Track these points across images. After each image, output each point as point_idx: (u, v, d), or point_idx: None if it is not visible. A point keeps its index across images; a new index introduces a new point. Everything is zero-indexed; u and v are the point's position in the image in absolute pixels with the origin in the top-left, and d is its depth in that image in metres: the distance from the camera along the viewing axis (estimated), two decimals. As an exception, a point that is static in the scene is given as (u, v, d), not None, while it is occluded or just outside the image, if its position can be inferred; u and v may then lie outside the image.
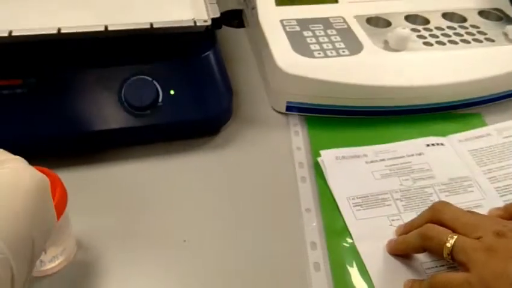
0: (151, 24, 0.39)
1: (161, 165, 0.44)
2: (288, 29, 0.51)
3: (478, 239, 0.30)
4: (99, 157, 0.43)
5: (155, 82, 0.42)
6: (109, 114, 0.42)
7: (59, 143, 0.42)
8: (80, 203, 0.36)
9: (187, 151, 0.45)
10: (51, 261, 0.34)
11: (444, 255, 0.31)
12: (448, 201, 0.38)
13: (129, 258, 0.36)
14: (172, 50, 0.43)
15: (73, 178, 0.40)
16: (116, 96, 0.41)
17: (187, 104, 0.43)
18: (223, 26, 0.65)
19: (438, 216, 0.33)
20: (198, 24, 0.40)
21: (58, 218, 0.31)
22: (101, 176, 0.42)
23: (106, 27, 0.39)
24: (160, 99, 0.42)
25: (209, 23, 0.41)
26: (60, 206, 0.31)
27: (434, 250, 0.32)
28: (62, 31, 0.38)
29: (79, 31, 0.38)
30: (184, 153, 0.45)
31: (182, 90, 0.43)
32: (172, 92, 0.43)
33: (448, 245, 0.30)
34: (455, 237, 0.30)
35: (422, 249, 0.33)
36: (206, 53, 0.44)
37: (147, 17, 0.42)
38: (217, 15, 0.42)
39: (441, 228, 0.32)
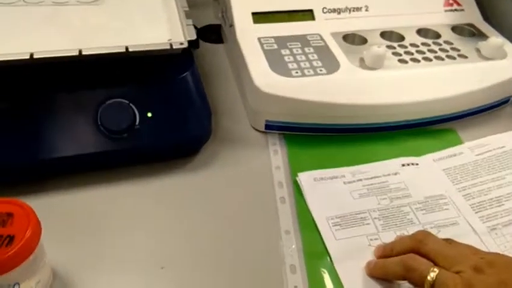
0: (127, 48, 0.39)
1: (139, 188, 0.43)
2: (265, 47, 0.51)
3: (458, 273, 0.31)
4: (76, 182, 0.43)
5: (131, 105, 0.42)
6: (85, 139, 0.41)
7: (34, 168, 0.41)
8: (57, 230, 0.35)
9: (166, 173, 0.45)
10: (27, 294, 0.33)
11: None
12: (425, 219, 0.39)
13: (107, 286, 0.35)
14: (149, 72, 0.43)
15: (49, 204, 0.40)
16: (92, 120, 0.41)
17: (165, 126, 0.43)
18: (201, 42, 0.66)
19: (419, 246, 0.34)
20: (174, 47, 0.40)
21: (32, 250, 0.31)
22: (77, 201, 0.41)
23: (80, 51, 0.38)
24: (137, 122, 0.42)
25: (185, 45, 0.41)
26: (34, 238, 0.31)
27: (415, 281, 0.32)
28: (35, 56, 0.37)
29: (52, 56, 0.38)
30: (163, 174, 0.45)
31: (160, 112, 0.43)
32: (149, 115, 0.42)
33: (429, 278, 0.31)
34: (437, 271, 0.31)
35: (402, 278, 0.34)
36: (183, 74, 0.44)
37: (123, 39, 0.41)
38: (194, 37, 0.42)
39: (423, 260, 0.33)
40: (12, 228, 0.30)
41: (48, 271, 0.35)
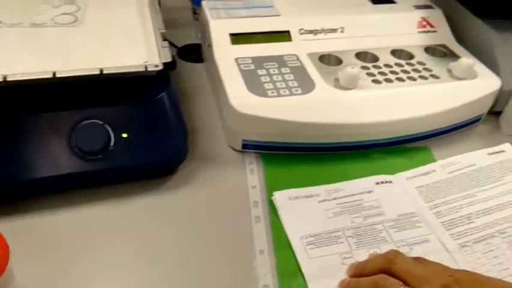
0: (101, 70, 0.40)
1: (115, 209, 0.43)
2: (243, 68, 0.52)
3: None
4: (50, 203, 0.42)
5: (106, 126, 0.42)
6: (60, 160, 0.41)
7: (7, 190, 0.41)
8: (28, 253, 0.35)
9: (142, 193, 0.45)
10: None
11: None
12: (397, 237, 0.40)
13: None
14: (124, 93, 0.43)
15: (21, 227, 0.40)
16: (66, 141, 0.41)
17: (141, 146, 0.43)
18: (182, 61, 0.67)
19: (390, 266, 0.34)
20: (149, 69, 0.41)
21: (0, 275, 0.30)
22: (51, 224, 0.41)
23: (54, 73, 0.38)
24: (112, 143, 0.42)
25: (160, 67, 0.41)
26: (2, 262, 0.31)
27: None
28: (8, 79, 0.37)
29: (26, 78, 0.38)
30: (139, 195, 0.45)
31: (136, 132, 0.43)
32: (124, 135, 0.42)
33: None
34: None
35: None
36: (159, 95, 0.45)
37: (99, 61, 0.42)
38: (169, 59, 0.42)
39: (394, 280, 0.33)
40: None
41: (18, 295, 0.35)
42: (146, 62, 0.43)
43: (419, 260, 0.36)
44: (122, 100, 0.43)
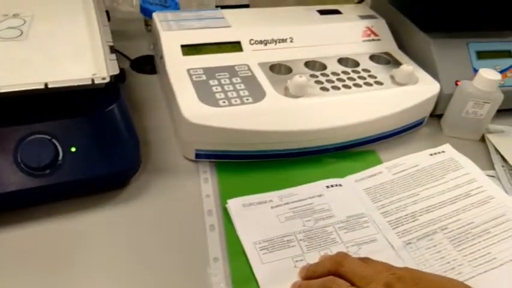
0: (46, 84, 0.39)
1: (67, 224, 0.42)
2: (194, 78, 0.53)
3: None
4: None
5: (54, 140, 0.41)
6: (5, 177, 0.40)
7: None
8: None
9: (94, 207, 0.45)
10: None
11: None
12: (347, 238, 0.41)
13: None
14: (72, 106, 0.43)
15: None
16: (11, 157, 0.40)
17: (91, 160, 0.43)
18: (135, 73, 0.66)
19: (337, 268, 0.36)
20: (96, 82, 0.41)
21: None
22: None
23: (-3, 89, 0.38)
24: (60, 158, 0.41)
25: (107, 80, 0.41)
26: None
27: None
28: None
29: (-34, 94, 0.37)
30: (91, 209, 0.44)
31: (85, 146, 0.43)
32: (73, 149, 0.42)
33: None
34: None
35: None
36: (109, 108, 0.45)
37: (46, 75, 0.41)
38: (117, 71, 0.42)
39: (341, 281, 0.35)
40: None
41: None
42: (94, 74, 0.42)
43: (365, 260, 0.37)
44: (70, 114, 0.43)
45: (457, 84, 0.58)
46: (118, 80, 0.45)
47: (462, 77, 0.58)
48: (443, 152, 0.53)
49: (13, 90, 0.38)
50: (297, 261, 0.40)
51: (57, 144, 0.41)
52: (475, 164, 0.52)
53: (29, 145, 0.40)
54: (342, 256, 0.37)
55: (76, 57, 0.46)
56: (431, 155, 0.53)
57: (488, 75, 0.54)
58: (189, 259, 0.41)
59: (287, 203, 0.46)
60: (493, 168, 0.53)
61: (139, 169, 0.48)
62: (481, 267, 0.41)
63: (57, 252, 0.40)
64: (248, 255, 0.40)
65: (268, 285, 0.38)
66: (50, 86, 0.39)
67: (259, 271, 0.39)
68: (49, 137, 0.41)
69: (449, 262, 0.41)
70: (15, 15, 0.54)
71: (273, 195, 0.46)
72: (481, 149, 0.57)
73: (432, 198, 0.47)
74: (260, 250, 0.41)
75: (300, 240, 0.42)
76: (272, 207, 0.45)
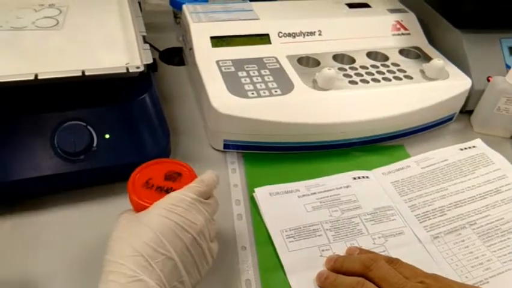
0: (83, 72, 0.40)
1: (100, 208, 0.44)
2: (223, 70, 0.53)
3: None
4: (35, 205, 0.43)
5: (89, 127, 0.42)
6: (43, 161, 0.41)
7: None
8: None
9: (125, 193, 0.45)
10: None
11: None
12: (374, 230, 0.42)
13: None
14: (106, 94, 0.44)
15: (7, 227, 0.40)
16: (49, 142, 0.41)
17: (123, 147, 0.44)
18: (164, 64, 0.68)
19: (366, 272, 0.36)
20: (130, 70, 0.42)
21: None
22: (37, 224, 0.42)
23: (36, 75, 0.39)
24: (95, 144, 0.42)
25: (142, 69, 0.42)
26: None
27: None
28: (-10, 80, 0.38)
29: (9, 80, 0.38)
30: (123, 195, 0.45)
31: (118, 133, 0.44)
32: (107, 136, 0.43)
33: None
34: None
35: None
36: (141, 96, 0.46)
37: (82, 63, 0.43)
38: (150, 61, 0.43)
39: (370, 285, 0.35)
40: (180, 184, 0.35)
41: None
42: (127, 63, 0.43)
43: (394, 262, 0.37)
44: (104, 101, 0.44)
45: (488, 80, 0.57)
46: (150, 69, 0.46)
47: (494, 73, 0.57)
48: (473, 147, 0.53)
49: (52, 77, 0.39)
50: (323, 250, 0.41)
51: (92, 130, 0.42)
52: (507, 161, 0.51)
53: (65, 131, 0.42)
54: (371, 259, 0.37)
55: (110, 47, 0.48)
56: (461, 149, 0.52)
57: (522, 70, 0.53)
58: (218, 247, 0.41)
59: (314, 193, 0.46)
60: (525, 166, 0.52)
61: (168, 158, 0.49)
62: (510, 263, 0.40)
63: (90, 232, 0.41)
64: (274, 243, 0.41)
65: (294, 273, 0.39)
66: (87, 73, 0.40)
67: (286, 258, 0.40)
68: (84, 124, 0.42)
69: (477, 257, 0.41)
70: (50, 5, 0.56)
71: (300, 185, 0.47)
72: (512, 147, 0.56)
73: (462, 193, 0.47)
74: (287, 238, 0.41)
75: (327, 230, 0.42)
76: (299, 197, 0.45)
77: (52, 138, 0.41)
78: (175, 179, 0.37)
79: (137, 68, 0.42)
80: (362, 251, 0.40)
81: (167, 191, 0.35)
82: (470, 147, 0.53)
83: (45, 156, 0.41)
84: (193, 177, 0.37)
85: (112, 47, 0.47)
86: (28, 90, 0.41)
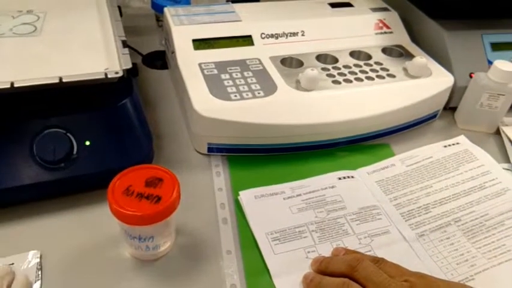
0: (60, 79, 0.40)
1: (81, 217, 0.43)
2: (206, 73, 0.53)
3: None
4: (13, 214, 0.42)
5: (69, 134, 0.42)
6: (21, 170, 0.41)
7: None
8: None
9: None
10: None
11: None
12: (359, 229, 0.42)
13: None
14: (86, 101, 0.43)
15: None
16: (28, 151, 0.41)
17: (104, 153, 0.43)
18: (147, 68, 0.67)
19: (351, 272, 0.36)
20: (109, 76, 0.41)
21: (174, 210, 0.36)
22: (16, 234, 0.41)
23: (12, 83, 0.38)
24: (75, 151, 0.42)
25: (120, 74, 0.42)
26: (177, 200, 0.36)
27: None
28: (-35, 90, 0.37)
29: (-17, 89, 0.38)
30: (105, 202, 0.45)
31: (99, 140, 0.43)
32: (87, 143, 0.42)
33: None
34: None
35: None
36: (122, 102, 0.45)
37: (60, 69, 0.42)
38: (129, 65, 0.43)
39: (355, 285, 0.35)
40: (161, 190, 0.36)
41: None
42: (106, 69, 0.43)
43: (379, 262, 0.37)
44: (84, 108, 0.43)
45: (471, 77, 0.58)
46: (130, 74, 0.45)
47: (476, 69, 0.58)
48: (457, 143, 0.53)
49: (28, 84, 0.39)
50: (309, 252, 0.40)
51: (72, 138, 0.42)
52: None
53: (44, 139, 0.41)
54: (357, 259, 0.36)
55: (89, 53, 0.47)
56: (445, 146, 0.52)
57: (504, 66, 0.53)
58: (202, 252, 0.41)
59: (299, 195, 0.46)
60: (508, 161, 0.52)
61: (151, 163, 0.48)
62: (495, 259, 0.40)
63: (68, 244, 0.40)
64: (260, 246, 0.41)
65: (280, 276, 0.38)
66: (64, 80, 0.40)
67: (271, 261, 0.39)
68: (64, 131, 0.42)
69: (462, 254, 0.41)
70: (29, 12, 0.55)
71: (285, 187, 0.46)
72: (496, 142, 0.56)
73: (446, 190, 0.47)
74: (272, 241, 0.41)
75: (312, 231, 0.42)
76: (284, 199, 0.45)
77: (31, 147, 0.41)
78: (156, 185, 0.36)
79: (116, 73, 0.42)
80: (347, 251, 0.40)
81: (148, 197, 0.35)
82: (453, 144, 0.53)
83: (24, 165, 0.41)
84: (174, 182, 0.37)
85: (91, 53, 0.47)
86: (5, 98, 0.40)
